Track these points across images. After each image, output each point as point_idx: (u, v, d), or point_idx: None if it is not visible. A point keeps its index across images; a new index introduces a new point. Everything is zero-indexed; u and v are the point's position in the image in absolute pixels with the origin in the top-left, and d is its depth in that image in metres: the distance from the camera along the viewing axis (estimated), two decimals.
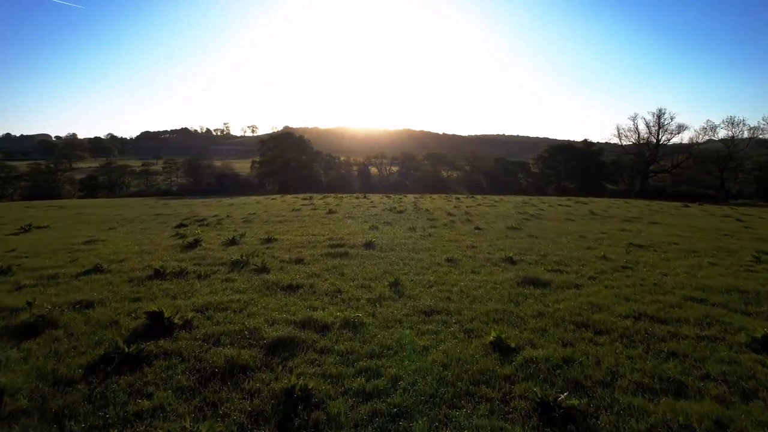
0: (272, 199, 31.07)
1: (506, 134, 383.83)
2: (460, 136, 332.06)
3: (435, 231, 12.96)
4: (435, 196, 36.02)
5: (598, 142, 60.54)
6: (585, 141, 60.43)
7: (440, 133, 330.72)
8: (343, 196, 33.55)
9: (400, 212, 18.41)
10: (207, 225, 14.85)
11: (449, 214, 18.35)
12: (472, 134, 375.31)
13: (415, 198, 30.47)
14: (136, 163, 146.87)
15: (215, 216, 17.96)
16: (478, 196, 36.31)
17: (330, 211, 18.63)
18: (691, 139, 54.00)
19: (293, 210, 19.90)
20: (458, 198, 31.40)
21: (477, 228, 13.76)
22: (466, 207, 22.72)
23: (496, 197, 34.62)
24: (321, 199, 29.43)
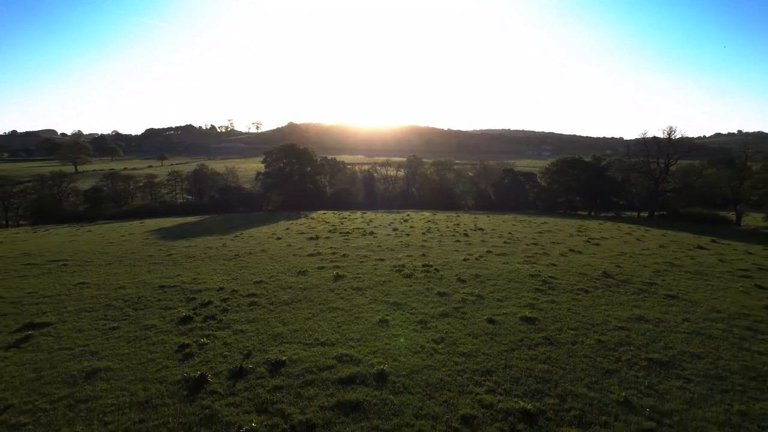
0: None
1: (511, 129, 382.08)
2: (466, 132, 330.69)
3: None
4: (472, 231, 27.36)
5: (607, 157, 59.25)
6: (594, 156, 59.87)
7: (446, 129, 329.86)
8: (315, 264, 21.03)
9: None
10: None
11: None
12: (477, 129, 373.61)
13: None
14: (140, 165, 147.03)
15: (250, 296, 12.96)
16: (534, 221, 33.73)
17: None
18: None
19: None
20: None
21: None
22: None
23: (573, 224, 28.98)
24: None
